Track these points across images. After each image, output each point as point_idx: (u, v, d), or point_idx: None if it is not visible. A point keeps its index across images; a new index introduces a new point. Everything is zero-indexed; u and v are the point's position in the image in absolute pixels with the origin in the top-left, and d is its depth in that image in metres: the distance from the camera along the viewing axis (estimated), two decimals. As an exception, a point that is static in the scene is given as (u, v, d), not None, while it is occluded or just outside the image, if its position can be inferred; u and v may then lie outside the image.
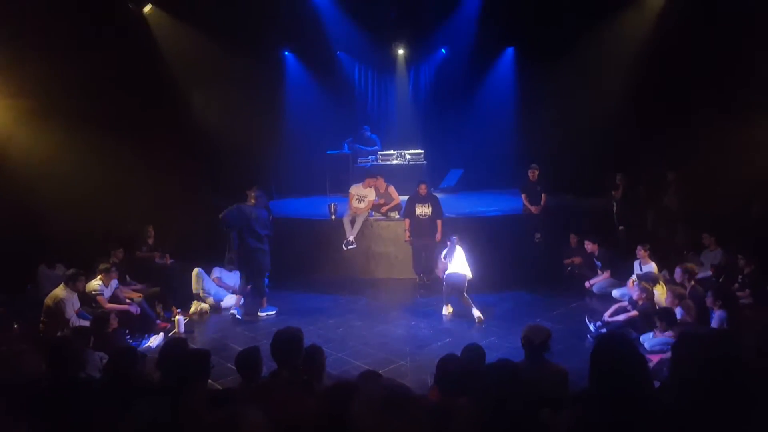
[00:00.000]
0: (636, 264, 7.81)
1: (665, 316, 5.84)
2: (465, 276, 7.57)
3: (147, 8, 10.27)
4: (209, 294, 8.22)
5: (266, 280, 8.03)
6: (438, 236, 8.87)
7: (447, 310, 7.73)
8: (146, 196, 9.31)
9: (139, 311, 7.03)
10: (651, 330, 6.15)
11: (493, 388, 2.37)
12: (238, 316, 7.60)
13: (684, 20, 9.48)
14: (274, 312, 7.88)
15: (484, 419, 2.19)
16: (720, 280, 7.64)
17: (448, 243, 7.90)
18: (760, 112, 8.26)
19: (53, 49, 8.15)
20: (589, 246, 8.65)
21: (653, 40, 10.37)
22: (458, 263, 7.65)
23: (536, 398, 2.62)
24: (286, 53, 13.73)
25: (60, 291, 6.40)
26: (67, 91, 8.40)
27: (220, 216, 7.63)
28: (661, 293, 6.71)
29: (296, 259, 9.60)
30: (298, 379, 3.34)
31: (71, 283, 6.46)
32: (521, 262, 9.16)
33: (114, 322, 5.95)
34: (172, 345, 4.10)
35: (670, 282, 7.23)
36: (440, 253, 8.03)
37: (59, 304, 6.27)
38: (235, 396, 3.17)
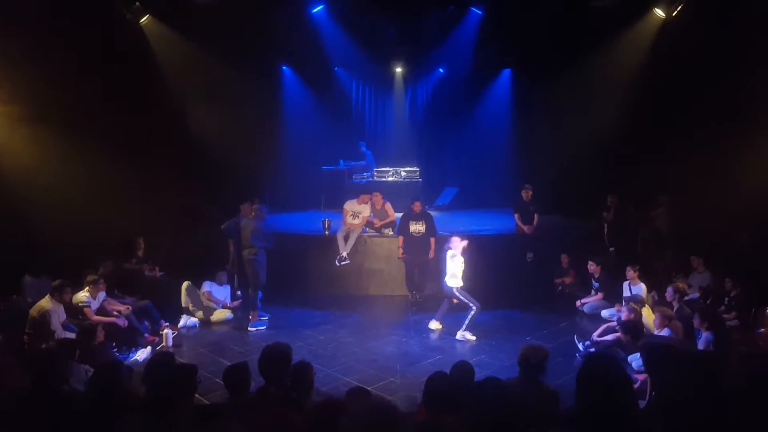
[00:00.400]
0: (626, 285, 7.86)
1: (630, 330, 5.87)
2: (451, 287, 7.51)
3: (144, 19, 10.32)
4: (199, 308, 8.16)
5: (260, 294, 8.03)
6: (431, 254, 8.91)
7: (434, 325, 7.70)
8: (138, 208, 9.26)
9: (126, 324, 6.97)
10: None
11: (480, 407, 2.37)
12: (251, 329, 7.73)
13: (679, 45, 9.64)
14: (264, 327, 7.84)
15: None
16: (707, 302, 7.69)
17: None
18: (753, 142, 8.38)
19: (47, 57, 8.13)
20: (591, 267, 8.67)
21: (649, 63, 10.56)
22: (450, 272, 7.61)
23: (526, 417, 2.62)
24: (284, 68, 13.81)
25: (45, 302, 6.33)
26: (60, 100, 8.37)
27: (222, 227, 7.96)
28: (647, 315, 6.75)
29: (288, 273, 9.56)
30: (285, 395, 3.31)
31: (57, 294, 6.39)
32: (513, 281, 9.20)
33: (100, 335, 5.88)
34: (159, 359, 4.06)
35: (659, 303, 7.27)
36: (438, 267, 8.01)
37: (44, 315, 6.19)
38: (222, 412, 3.14)
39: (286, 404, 3.17)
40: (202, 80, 10.82)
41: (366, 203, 9.59)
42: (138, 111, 9.57)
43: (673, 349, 4.44)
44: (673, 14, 10.36)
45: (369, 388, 5.39)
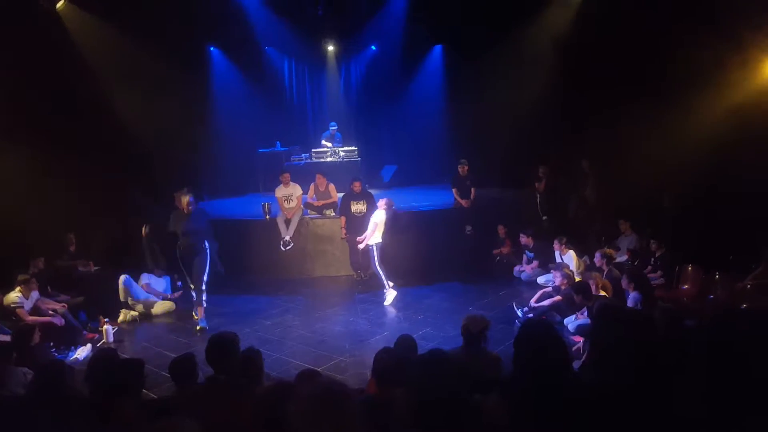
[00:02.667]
0: (556, 254, 8.26)
1: (581, 290, 6.13)
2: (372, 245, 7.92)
3: (60, 4, 9.69)
4: (138, 301, 7.95)
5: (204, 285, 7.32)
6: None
7: (389, 295, 7.99)
8: (66, 202, 8.81)
9: (63, 323, 6.71)
10: (573, 313, 6.54)
11: (425, 377, 2.48)
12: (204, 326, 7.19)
13: (603, 15, 9.92)
14: (206, 326, 7.17)
15: (419, 407, 2.28)
16: (635, 263, 8.20)
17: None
18: (674, 106, 8.82)
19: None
20: (523, 239, 8.99)
21: (574, 34, 10.82)
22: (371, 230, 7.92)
23: (470, 384, 2.75)
24: (212, 49, 13.37)
25: None
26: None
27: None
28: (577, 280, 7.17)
29: (231, 260, 9.37)
30: (235, 383, 3.33)
31: None
32: (453, 254, 9.46)
33: (37, 336, 5.65)
34: (102, 356, 3.97)
35: (590, 267, 7.70)
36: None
37: None
38: (171, 404, 3.13)
39: (236, 392, 3.19)
40: (127, 66, 10.30)
41: (289, 183, 9.52)
42: (61, 102, 9.06)
43: (622, 310, 4.72)
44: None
45: (319, 369, 5.50)
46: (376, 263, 7.97)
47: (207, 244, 7.33)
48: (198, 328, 7.17)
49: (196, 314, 7.36)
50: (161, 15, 10.11)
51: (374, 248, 7.95)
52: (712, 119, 8.53)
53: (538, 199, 10.45)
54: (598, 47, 9.78)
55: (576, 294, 6.14)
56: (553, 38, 11.25)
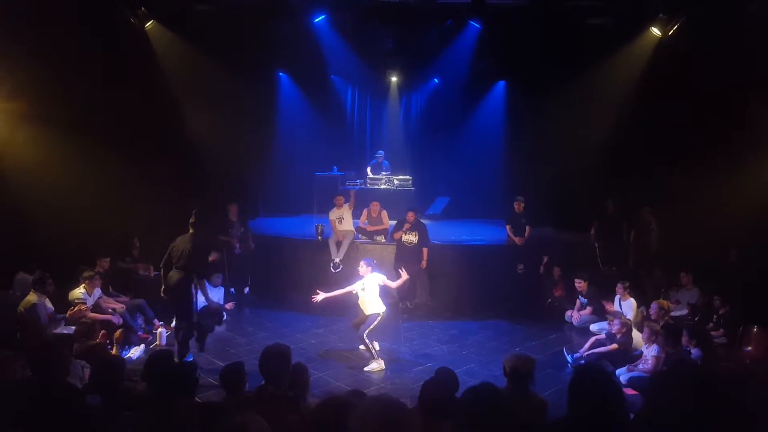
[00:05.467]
0: (616, 300, 7.99)
1: (673, 333, 5.84)
2: (370, 315, 6.74)
3: (149, 24, 10.39)
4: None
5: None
6: (424, 263, 9.08)
7: (375, 364, 6.70)
8: (135, 207, 9.29)
9: (120, 322, 6.99)
10: (627, 364, 6.30)
11: (475, 411, 2.44)
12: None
13: (674, 64, 9.79)
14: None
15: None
16: (696, 319, 7.83)
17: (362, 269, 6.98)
18: (749, 158, 8.53)
19: (53, 56, 8.16)
20: (579, 284, 8.73)
21: (644, 81, 10.69)
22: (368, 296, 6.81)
23: (517, 426, 2.69)
24: (281, 74, 13.90)
25: (31, 296, 6.39)
26: (63, 99, 8.38)
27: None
28: (635, 330, 6.91)
29: (281, 277, 9.62)
30: (284, 394, 3.38)
31: (39, 286, 6.46)
32: (503, 292, 9.31)
33: (99, 334, 5.91)
34: (159, 356, 4.10)
35: (647, 319, 7.41)
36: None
37: (31, 309, 6.25)
38: (223, 409, 3.21)
39: (285, 403, 3.24)
40: (202, 85, 10.87)
41: (342, 204, 9.68)
42: (139, 112, 9.61)
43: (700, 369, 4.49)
44: (669, 33, 10.53)
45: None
46: (366, 332, 6.65)
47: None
48: None
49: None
50: (237, 38, 10.64)
51: (378, 318, 6.76)
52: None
53: (597, 245, 10.18)
54: (671, 91, 9.62)
55: (666, 337, 5.85)
56: (622, 80, 11.10)
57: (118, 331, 6.70)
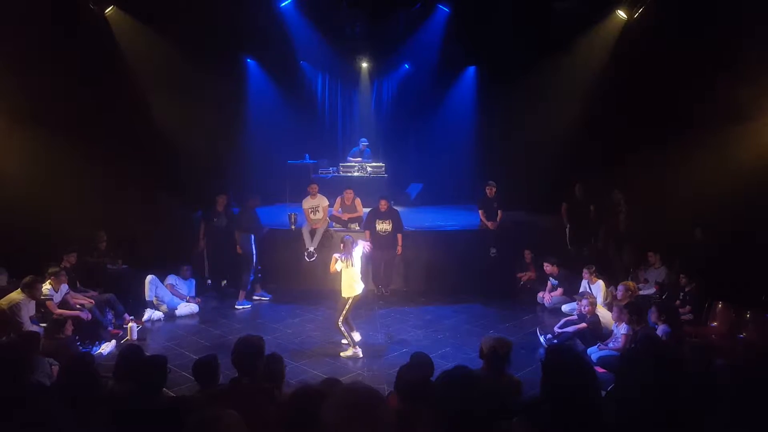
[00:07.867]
0: (584, 283, 8.13)
1: (637, 311, 5.95)
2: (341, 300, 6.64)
3: (109, 10, 10.03)
4: (163, 301, 8.05)
5: (251, 276, 8.76)
6: (399, 249, 9.17)
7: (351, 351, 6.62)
8: (100, 200, 9.03)
9: (89, 317, 6.83)
10: (597, 342, 6.44)
11: (453, 397, 2.45)
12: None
13: (640, 46, 9.92)
14: (249, 306, 8.58)
15: (446, 427, 2.25)
16: (662, 297, 8.03)
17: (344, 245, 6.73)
18: (711, 142, 8.71)
19: (8, 46, 7.83)
20: (548, 267, 8.85)
21: (610, 64, 10.80)
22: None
23: (492, 406, 2.71)
24: (249, 60, 13.65)
25: (17, 295, 6.17)
26: (19, 91, 8.07)
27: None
28: (602, 310, 7.05)
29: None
30: (258, 386, 3.35)
31: (28, 290, 6.22)
32: (476, 276, 9.39)
33: (69, 328, 5.76)
34: (129, 351, 4.03)
35: (616, 299, 7.56)
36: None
37: (14, 308, 6.03)
38: (196, 402, 3.16)
39: (259, 395, 3.20)
40: (166, 71, 10.58)
41: (316, 195, 9.56)
42: (102, 103, 9.31)
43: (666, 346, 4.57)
44: (635, 16, 10.65)
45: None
46: (340, 319, 6.57)
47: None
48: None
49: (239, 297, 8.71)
50: (202, 24, 10.37)
51: (349, 302, 6.62)
52: (748, 156, 8.41)
53: (567, 228, 10.33)
54: (636, 79, 9.75)
55: (630, 314, 5.97)
56: (591, 64, 11.21)
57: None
